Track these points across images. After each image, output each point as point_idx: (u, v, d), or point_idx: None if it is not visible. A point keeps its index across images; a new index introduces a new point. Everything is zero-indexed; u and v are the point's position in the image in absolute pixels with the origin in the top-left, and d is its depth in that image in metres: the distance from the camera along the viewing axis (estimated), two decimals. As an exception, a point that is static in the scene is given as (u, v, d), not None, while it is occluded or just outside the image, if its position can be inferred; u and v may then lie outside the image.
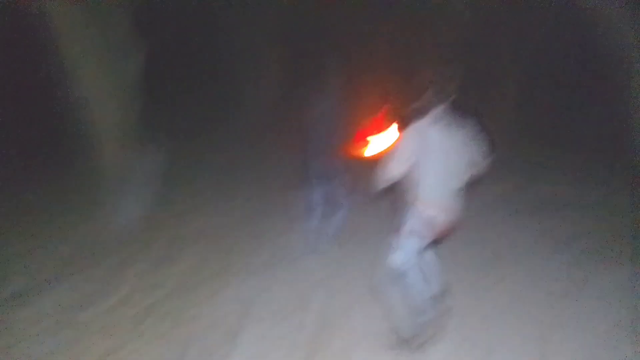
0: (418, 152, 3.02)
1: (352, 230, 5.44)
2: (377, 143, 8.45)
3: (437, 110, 3.07)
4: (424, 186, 3.09)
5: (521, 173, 8.54)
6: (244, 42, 12.45)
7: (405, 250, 3.16)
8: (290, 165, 7.38)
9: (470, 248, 5.20)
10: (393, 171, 3.09)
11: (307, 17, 14.48)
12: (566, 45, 11.33)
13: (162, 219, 6.07)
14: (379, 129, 3.87)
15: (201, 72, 13.36)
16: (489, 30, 12.27)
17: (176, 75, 13.10)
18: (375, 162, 3.35)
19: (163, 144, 6.26)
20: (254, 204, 6.85)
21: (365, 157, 3.90)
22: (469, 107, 3.28)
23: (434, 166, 3.04)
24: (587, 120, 11.74)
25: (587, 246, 5.33)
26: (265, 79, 12.62)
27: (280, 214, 6.29)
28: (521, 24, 11.50)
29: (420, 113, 3.11)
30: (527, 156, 10.12)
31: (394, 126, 3.74)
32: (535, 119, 12.60)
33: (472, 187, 3.33)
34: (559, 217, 6.35)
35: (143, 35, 5.88)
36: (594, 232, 5.77)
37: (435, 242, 3.34)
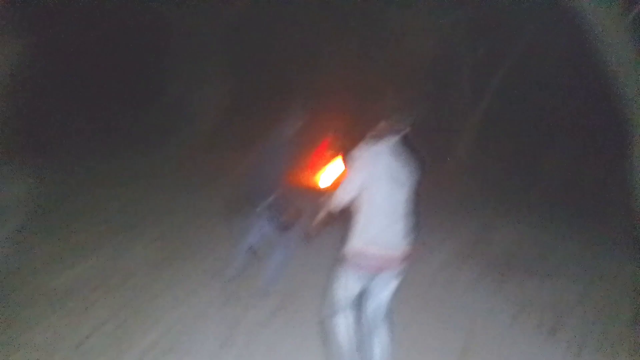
0: (366, 179, 2.99)
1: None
2: (327, 174, 8.28)
3: (390, 141, 3.09)
4: (367, 218, 3.01)
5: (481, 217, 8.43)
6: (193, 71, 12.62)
7: (343, 286, 3.09)
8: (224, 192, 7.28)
9: (432, 332, 4.44)
10: (342, 197, 3.06)
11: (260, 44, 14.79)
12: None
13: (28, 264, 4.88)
14: (326, 159, 3.87)
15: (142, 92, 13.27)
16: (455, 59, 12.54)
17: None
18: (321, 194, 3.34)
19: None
20: (168, 242, 5.99)
21: (317, 187, 3.82)
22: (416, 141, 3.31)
23: (379, 196, 2.98)
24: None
25: (578, 331, 4.71)
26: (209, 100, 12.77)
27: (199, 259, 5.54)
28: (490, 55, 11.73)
29: (374, 141, 3.12)
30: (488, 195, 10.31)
31: (340, 158, 3.81)
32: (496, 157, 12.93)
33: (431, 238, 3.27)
34: (536, 279, 5.96)
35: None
36: (582, 306, 5.28)
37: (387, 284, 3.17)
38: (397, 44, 12.83)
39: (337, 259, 3.18)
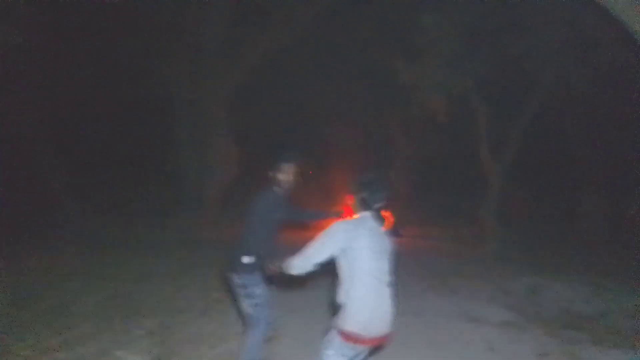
0: (343, 246, 3.02)
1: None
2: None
3: (365, 215, 3.19)
4: (347, 293, 3.01)
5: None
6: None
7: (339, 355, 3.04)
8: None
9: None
10: (311, 259, 3.07)
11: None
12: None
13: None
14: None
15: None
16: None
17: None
18: None
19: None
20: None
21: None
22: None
23: (364, 265, 3.00)
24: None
25: None
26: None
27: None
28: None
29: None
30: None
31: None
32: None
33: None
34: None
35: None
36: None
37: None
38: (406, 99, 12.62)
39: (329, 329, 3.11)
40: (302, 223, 5.18)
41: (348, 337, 2.96)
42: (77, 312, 5.70)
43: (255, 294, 3.80)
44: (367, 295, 2.98)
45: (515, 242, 11.85)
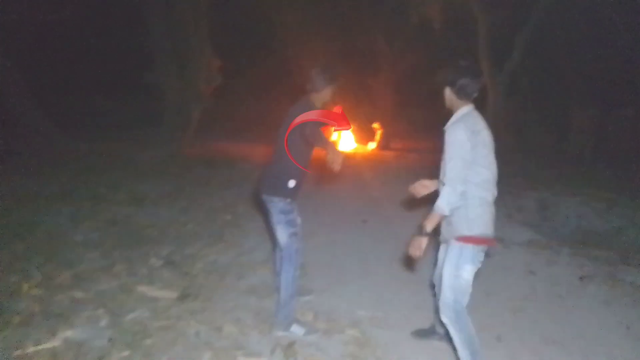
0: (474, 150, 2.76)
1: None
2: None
3: (470, 109, 2.89)
4: (466, 195, 2.75)
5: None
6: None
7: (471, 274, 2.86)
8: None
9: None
10: (460, 181, 2.69)
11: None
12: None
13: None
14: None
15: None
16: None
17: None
18: None
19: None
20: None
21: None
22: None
23: (486, 168, 2.81)
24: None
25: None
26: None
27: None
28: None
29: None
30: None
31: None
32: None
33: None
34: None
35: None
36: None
37: None
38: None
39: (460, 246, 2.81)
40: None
41: (479, 240, 2.78)
42: (80, 240, 5.20)
43: (296, 222, 3.52)
44: (486, 193, 2.79)
45: (513, 156, 11.74)
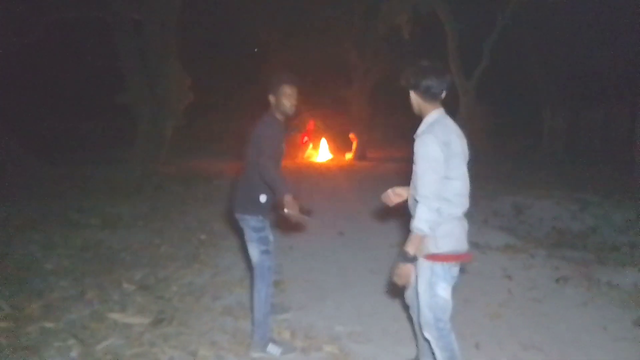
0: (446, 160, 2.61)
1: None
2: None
3: (440, 114, 2.71)
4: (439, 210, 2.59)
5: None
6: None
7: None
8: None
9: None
10: (434, 185, 2.58)
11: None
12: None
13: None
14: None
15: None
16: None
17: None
18: None
19: None
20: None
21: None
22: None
23: (452, 179, 2.61)
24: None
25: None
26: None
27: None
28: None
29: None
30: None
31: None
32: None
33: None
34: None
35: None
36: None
37: None
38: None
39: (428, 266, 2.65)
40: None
41: (449, 258, 2.62)
42: (52, 268, 5.06)
43: (268, 239, 3.44)
44: (456, 208, 2.62)
45: (487, 160, 11.88)
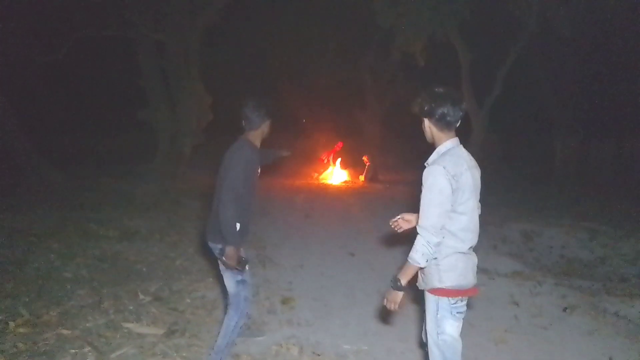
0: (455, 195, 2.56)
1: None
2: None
3: (454, 144, 2.62)
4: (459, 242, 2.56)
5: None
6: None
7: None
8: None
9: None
10: (437, 220, 2.51)
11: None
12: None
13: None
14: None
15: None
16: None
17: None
18: None
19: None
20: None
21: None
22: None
23: (467, 213, 2.55)
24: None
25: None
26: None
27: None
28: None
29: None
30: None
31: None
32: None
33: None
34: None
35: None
36: None
37: None
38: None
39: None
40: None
41: (453, 293, 2.54)
42: (70, 277, 5.23)
43: (244, 269, 3.35)
44: (461, 243, 2.53)
45: (499, 187, 11.93)
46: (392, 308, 2.59)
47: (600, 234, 7.42)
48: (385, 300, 2.61)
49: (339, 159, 14.86)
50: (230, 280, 3.37)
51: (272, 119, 3.40)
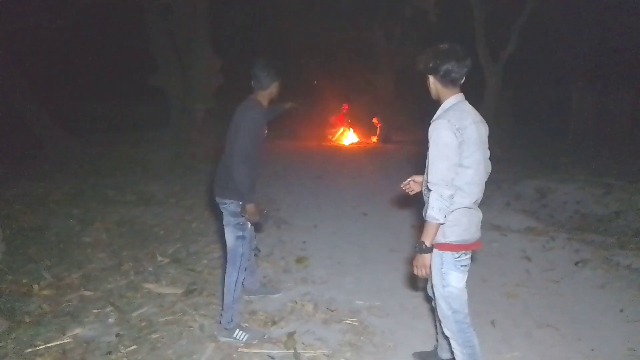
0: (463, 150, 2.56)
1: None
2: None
3: (458, 100, 2.61)
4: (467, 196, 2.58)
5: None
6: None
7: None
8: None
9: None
10: (448, 183, 2.52)
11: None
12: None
13: None
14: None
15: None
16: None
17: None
18: None
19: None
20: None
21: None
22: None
23: (475, 166, 2.54)
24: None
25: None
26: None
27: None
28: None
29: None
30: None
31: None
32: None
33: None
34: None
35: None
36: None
37: None
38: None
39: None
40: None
41: (456, 247, 2.56)
42: (90, 241, 5.39)
43: (246, 226, 3.43)
44: (465, 199, 2.53)
45: (514, 144, 11.81)
46: (423, 273, 2.60)
47: (616, 189, 7.33)
48: (415, 268, 2.61)
49: (349, 121, 14.76)
50: (230, 235, 3.43)
51: (281, 80, 3.40)
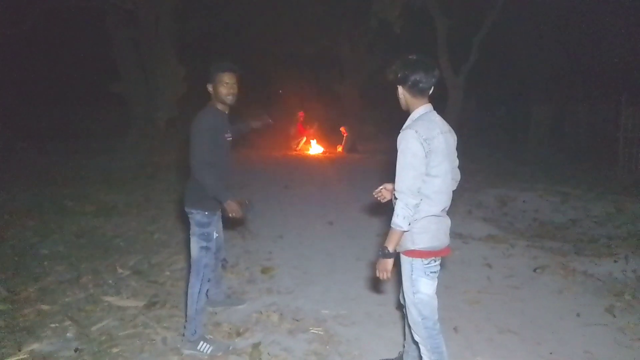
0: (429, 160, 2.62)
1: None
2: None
3: (427, 110, 2.68)
4: (433, 205, 2.64)
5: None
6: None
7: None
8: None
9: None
10: (414, 184, 2.57)
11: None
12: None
13: None
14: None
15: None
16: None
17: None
18: None
19: None
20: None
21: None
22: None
23: (441, 176, 2.61)
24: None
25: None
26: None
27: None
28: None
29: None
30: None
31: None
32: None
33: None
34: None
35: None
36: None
37: None
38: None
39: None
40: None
41: (426, 254, 2.62)
42: (47, 253, 5.21)
43: (211, 237, 3.41)
44: (433, 207, 2.59)
45: (476, 154, 12.08)
46: (385, 277, 2.63)
47: (572, 197, 7.61)
48: (377, 271, 2.64)
49: (309, 128, 14.80)
50: (195, 245, 3.39)
51: (215, 82, 3.32)
